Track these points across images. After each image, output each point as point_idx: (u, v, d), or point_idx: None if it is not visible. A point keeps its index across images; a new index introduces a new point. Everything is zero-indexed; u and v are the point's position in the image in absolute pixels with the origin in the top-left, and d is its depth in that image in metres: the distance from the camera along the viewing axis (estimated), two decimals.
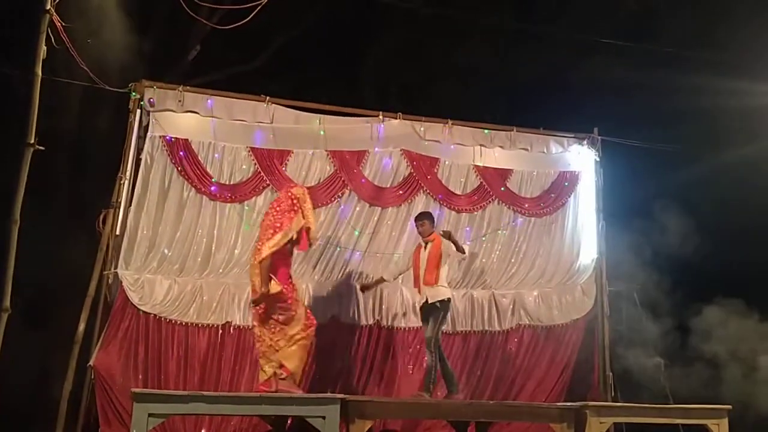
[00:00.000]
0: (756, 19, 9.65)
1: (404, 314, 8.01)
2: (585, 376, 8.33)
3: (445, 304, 7.16)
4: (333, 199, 7.98)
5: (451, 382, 7.09)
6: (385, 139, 8.25)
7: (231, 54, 9.77)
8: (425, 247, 7.24)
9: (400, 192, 8.26)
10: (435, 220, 7.54)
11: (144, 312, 7.19)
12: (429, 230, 7.30)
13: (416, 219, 7.49)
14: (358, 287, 7.76)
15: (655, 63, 9.88)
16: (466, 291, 8.32)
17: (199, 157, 7.66)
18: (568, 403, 6.74)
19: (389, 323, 7.95)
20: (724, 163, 9.61)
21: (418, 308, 7.38)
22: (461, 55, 10.85)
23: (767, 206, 9.36)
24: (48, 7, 4.97)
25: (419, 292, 7.25)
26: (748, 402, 7.84)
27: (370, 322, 7.87)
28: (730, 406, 6.56)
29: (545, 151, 8.86)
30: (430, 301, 7.09)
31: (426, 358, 7.12)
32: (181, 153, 7.56)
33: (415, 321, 7.90)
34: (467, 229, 8.46)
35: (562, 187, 8.85)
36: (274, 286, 6.30)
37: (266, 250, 6.29)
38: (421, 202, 8.30)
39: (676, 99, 9.80)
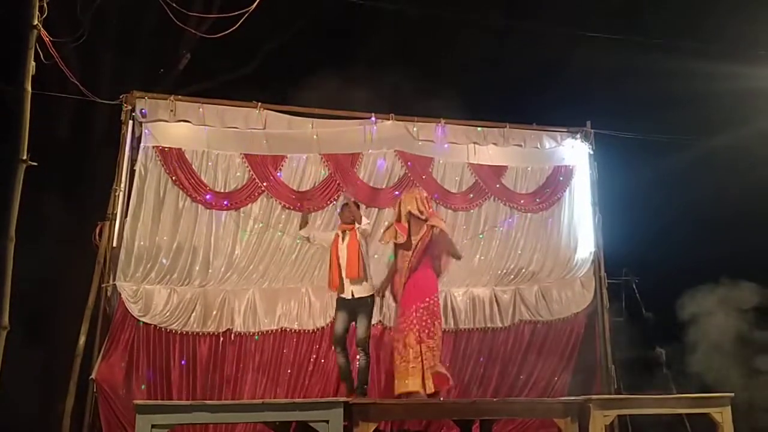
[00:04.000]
0: (745, 5, 9.66)
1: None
2: (587, 369, 8.35)
3: (373, 299, 6.83)
4: (329, 202, 7.98)
5: (366, 381, 6.81)
6: (378, 141, 8.27)
7: (221, 62, 9.77)
8: (342, 239, 6.82)
9: (396, 193, 8.25)
10: (359, 208, 7.06)
11: (144, 323, 7.20)
12: (349, 218, 6.86)
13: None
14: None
15: (645, 53, 9.89)
16: (467, 289, 8.33)
17: (193, 166, 7.67)
18: (572, 398, 6.74)
19: (390, 324, 7.95)
20: (717, 149, 9.61)
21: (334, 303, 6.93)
22: (451, 54, 10.86)
23: (761, 191, 9.37)
24: (35, 22, 4.96)
25: (338, 286, 6.76)
26: (751, 389, 7.84)
27: (373, 322, 7.87)
28: (732, 394, 6.56)
29: (539, 146, 8.88)
30: (356, 296, 6.71)
31: (359, 357, 6.74)
32: (175, 162, 7.58)
33: None
34: (464, 227, 8.46)
35: (557, 181, 8.87)
36: None
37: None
38: None
39: (666, 88, 9.81)
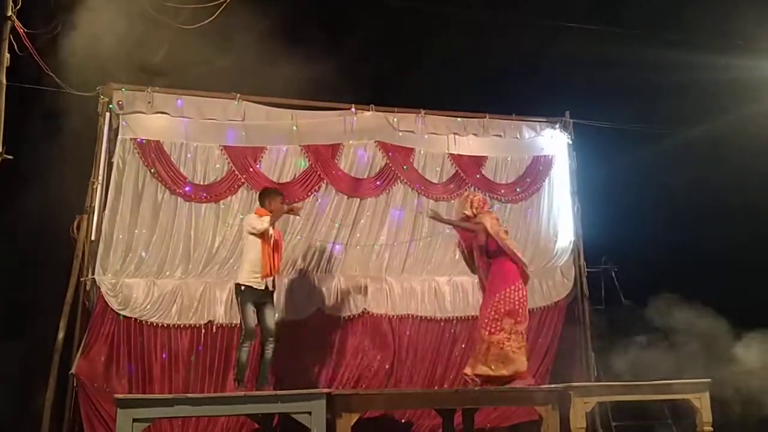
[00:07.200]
0: None
1: (388, 303, 8.04)
2: (567, 357, 8.43)
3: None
4: (310, 193, 7.98)
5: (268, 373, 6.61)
6: (358, 132, 8.27)
7: (199, 53, 9.67)
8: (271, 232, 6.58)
9: (378, 183, 8.29)
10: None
11: (124, 316, 7.14)
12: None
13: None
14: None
15: (624, 44, 9.93)
16: (450, 278, 8.37)
17: (172, 158, 7.61)
18: (552, 385, 6.81)
19: (376, 312, 7.97)
20: (695, 139, 9.70)
21: (258, 292, 6.39)
22: (431, 45, 10.83)
23: (738, 180, 9.47)
24: (9, 13, 4.90)
25: (263, 278, 6.42)
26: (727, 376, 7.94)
27: (356, 312, 7.89)
28: (710, 380, 6.66)
29: (518, 136, 8.93)
30: (270, 288, 6.51)
31: (269, 348, 6.47)
32: (153, 155, 7.51)
33: (397, 311, 7.96)
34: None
35: (536, 171, 8.93)
36: None
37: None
38: (399, 192, 8.37)
39: (645, 78, 9.86)
